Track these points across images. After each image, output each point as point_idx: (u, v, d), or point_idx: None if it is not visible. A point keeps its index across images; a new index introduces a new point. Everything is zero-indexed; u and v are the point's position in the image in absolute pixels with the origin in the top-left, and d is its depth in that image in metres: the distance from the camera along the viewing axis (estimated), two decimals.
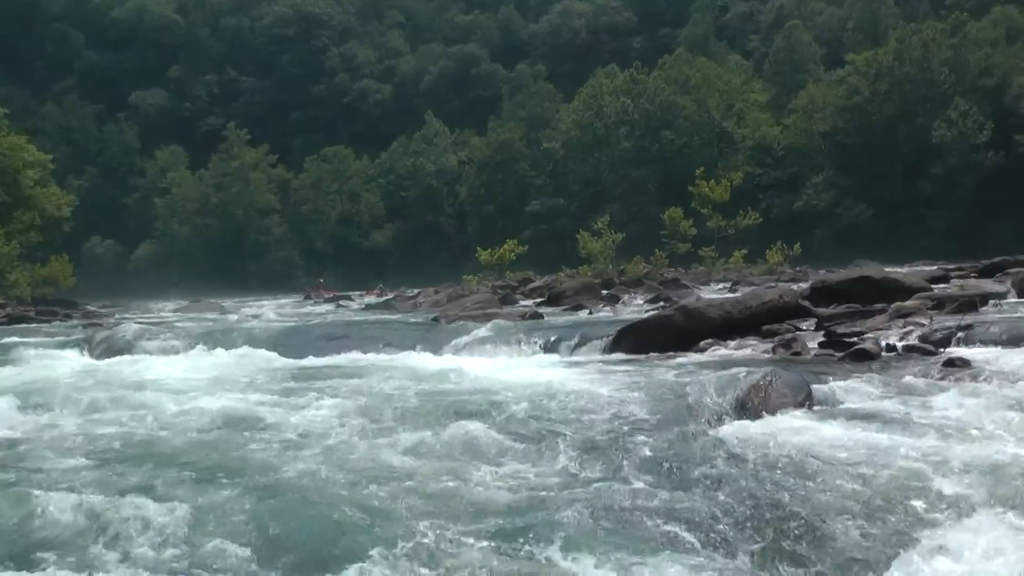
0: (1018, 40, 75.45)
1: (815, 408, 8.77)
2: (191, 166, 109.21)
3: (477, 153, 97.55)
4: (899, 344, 12.31)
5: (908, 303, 15.41)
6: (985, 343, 11.95)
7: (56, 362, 16.41)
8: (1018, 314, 14.67)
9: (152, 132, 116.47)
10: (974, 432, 7.47)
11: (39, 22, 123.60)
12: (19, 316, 35.73)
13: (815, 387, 9.30)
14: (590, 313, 25.51)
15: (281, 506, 6.03)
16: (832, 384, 9.68)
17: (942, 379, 9.85)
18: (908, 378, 10.00)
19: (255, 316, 35.35)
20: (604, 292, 32.34)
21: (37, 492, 6.15)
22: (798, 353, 12.44)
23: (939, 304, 15.72)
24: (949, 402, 8.71)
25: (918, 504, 5.88)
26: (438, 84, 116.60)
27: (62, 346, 18.92)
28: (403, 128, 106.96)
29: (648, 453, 7.15)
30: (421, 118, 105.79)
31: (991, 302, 17.04)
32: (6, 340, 21.27)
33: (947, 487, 6.09)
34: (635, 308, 25.91)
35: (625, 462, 6.93)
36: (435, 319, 23.05)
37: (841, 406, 8.94)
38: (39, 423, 9.45)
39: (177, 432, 8.71)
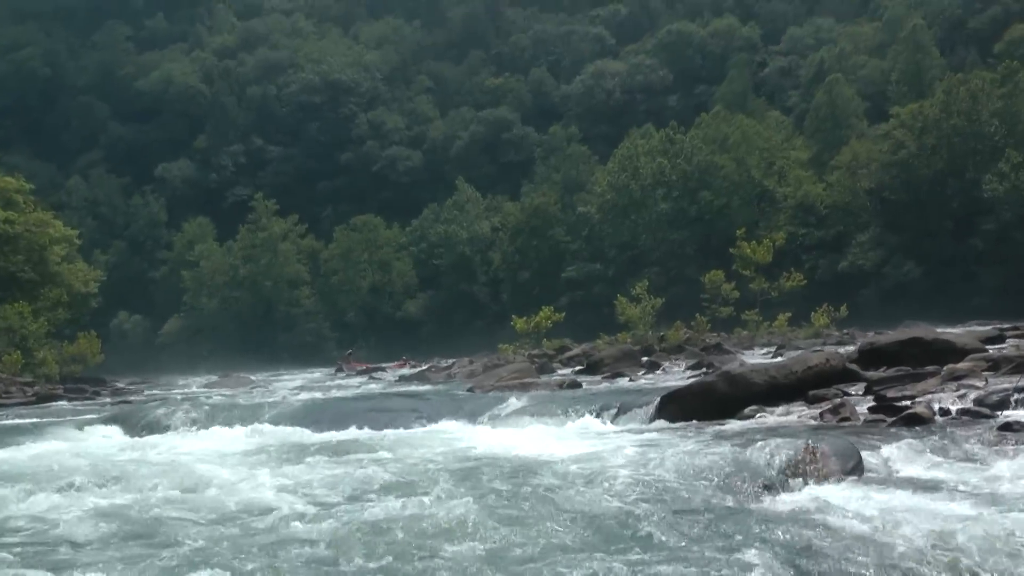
0: None
1: (866, 476, 8.71)
2: (219, 238, 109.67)
3: (510, 219, 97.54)
4: (953, 408, 12.21)
5: (961, 365, 15.30)
6: None
7: (85, 441, 16.51)
8: None
9: (179, 204, 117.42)
10: None
11: (64, 95, 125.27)
12: (48, 395, 36.02)
13: (865, 454, 9.24)
14: (630, 381, 25.49)
15: None
16: (883, 451, 9.62)
17: (999, 444, 9.76)
18: (964, 444, 9.92)
19: (286, 390, 35.48)
20: (644, 359, 32.32)
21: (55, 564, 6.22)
22: (847, 419, 12.36)
23: (995, 365, 15.57)
24: (1008, 469, 8.62)
25: None
26: (469, 149, 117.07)
27: (90, 424, 19.04)
28: (434, 195, 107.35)
29: (694, 525, 7.12)
30: (452, 184, 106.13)
31: None
32: (35, 420, 21.48)
33: (1007, 562, 6.00)
34: (676, 375, 25.86)
35: (670, 536, 6.90)
36: (470, 390, 23.11)
37: (893, 474, 8.88)
38: (62, 502, 9.50)
39: (199, 514, 8.74)
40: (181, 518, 8.43)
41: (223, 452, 13.09)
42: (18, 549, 7.46)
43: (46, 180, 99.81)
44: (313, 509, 8.57)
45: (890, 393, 13.70)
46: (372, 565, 6.51)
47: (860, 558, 6.18)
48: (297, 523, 7.95)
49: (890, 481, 8.49)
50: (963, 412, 11.93)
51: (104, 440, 16.67)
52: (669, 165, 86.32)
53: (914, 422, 11.42)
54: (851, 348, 24.25)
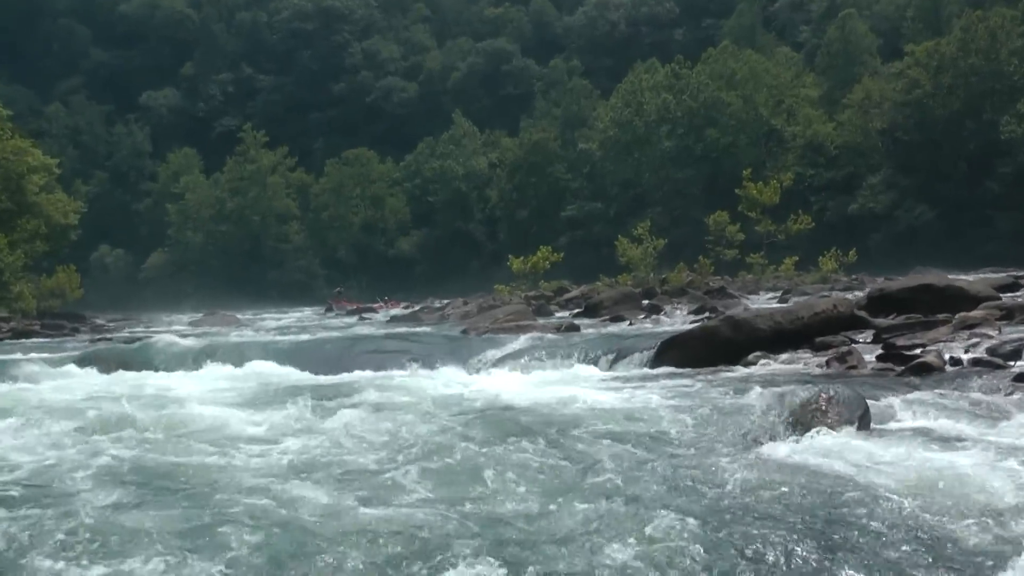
0: None
1: (873, 427, 8.68)
2: (205, 170, 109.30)
3: (508, 155, 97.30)
4: (965, 357, 12.17)
5: (974, 313, 15.26)
6: None
7: (63, 379, 16.48)
8: None
9: (164, 134, 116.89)
10: None
11: (44, 18, 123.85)
12: (24, 330, 35.93)
13: (872, 404, 9.21)
14: (630, 325, 25.44)
15: (287, 533, 6.02)
16: (891, 401, 9.59)
17: (1012, 394, 9.74)
18: (975, 394, 9.90)
19: (273, 329, 35.48)
20: (645, 302, 32.29)
21: (37, 512, 6.19)
22: (854, 367, 12.34)
23: (1008, 314, 15.55)
24: (1021, 420, 8.60)
25: (985, 534, 5.78)
26: (467, 81, 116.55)
27: (69, 362, 19.00)
28: (430, 129, 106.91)
29: (692, 475, 7.10)
30: (449, 118, 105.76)
31: None
32: (12, 356, 21.43)
33: (1019, 515, 5.98)
34: (678, 319, 25.83)
35: (667, 486, 6.88)
36: (464, 332, 23.09)
37: (901, 424, 8.86)
38: (44, 442, 9.46)
39: (186, 454, 8.73)
40: (172, 462, 8.38)
41: (212, 394, 13.07)
42: (11, 491, 7.44)
43: (24, 106, 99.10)
44: (310, 456, 8.54)
45: (899, 341, 13.67)
46: (369, 513, 6.49)
47: (866, 510, 6.15)
48: (292, 469, 7.94)
49: (898, 432, 8.46)
50: (975, 362, 11.88)
51: (85, 379, 16.63)
52: (674, 101, 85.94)
53: (924, 371, 11.39)
54: (860, 294, 24.25)
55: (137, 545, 5.73)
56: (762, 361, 13.87)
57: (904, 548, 5.57)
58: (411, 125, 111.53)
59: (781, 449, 7.93)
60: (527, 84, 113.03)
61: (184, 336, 26.09)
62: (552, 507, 6.54)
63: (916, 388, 10.21)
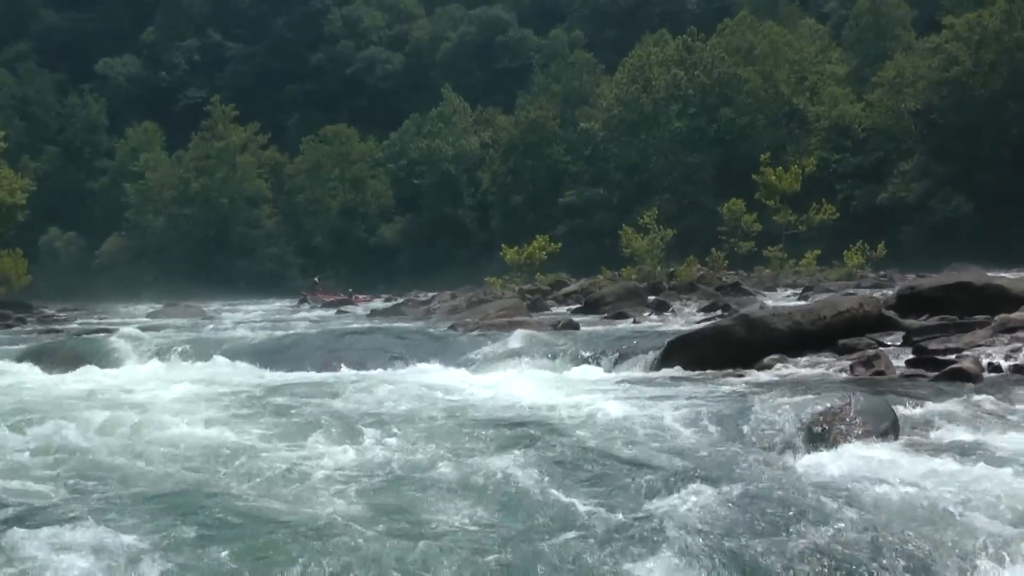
0: None
1: (901, 439, 8.67)
2: (168, 146, 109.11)
3: (503, 134, 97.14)
4: (1005, 364, 12.17)
5: (1016, 315, 15.24)
6: None
7: (4, 376, 16.44)
8: None
9: (122, 106, 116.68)
10: None
11: None
12: None
13: (901, 413, 9.21)
14: (634, 323, 25.52)
15: (257, 551, 5.99)
16: (922, 410, 9.59)
17: None
18: (1016, 404, 9.89)
19: (241, 322, 35.46)
20: (651, 298, 32.38)
21: None
22: (881, 373, 12.33)
23: None
24: None
25: (1021, 552, 5.77)
26: (458, 53, 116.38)
27: (12, 356, 18.96)
28: (416, 105, 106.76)
29: (701, 491, 7.07)
30: (437, 93, 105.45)
31: None
32: None
33: None
34: (687, 317, 25.90)
35: (674, 501, 6.86)
36: (452, 328, 23.11)
37: (933, 436, 8.85)
38: None
39: (145, 459, 8.68)
40: (135, 475, 8.32)
41: (176, 396, 13.02)
42: None
43: None
44: (276, 462, 8.49)
45: (932, 345, 13.66)
46: (341, 524, 6.47)
47: (893, 530, 6.13)
48: (273, 479, 7.91)
49: (929, 445, 8.45)
50: (1016, 369, 11.89)
51: (28, 377, 16.59)
52: (686, 77, 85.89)
53: (959, 378, 11.37)
54: (888, 292, 24.28)
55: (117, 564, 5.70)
56: (779, 364, 13.85)
57: (934, 568, 5.56)
58: (396, 100, 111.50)
59: (799, 462, 7.92)
60: (524, 57, 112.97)
61: (143, 329, 26.06)
62: (548, 517, 6.53)
63: (950, 396, 10.18)
